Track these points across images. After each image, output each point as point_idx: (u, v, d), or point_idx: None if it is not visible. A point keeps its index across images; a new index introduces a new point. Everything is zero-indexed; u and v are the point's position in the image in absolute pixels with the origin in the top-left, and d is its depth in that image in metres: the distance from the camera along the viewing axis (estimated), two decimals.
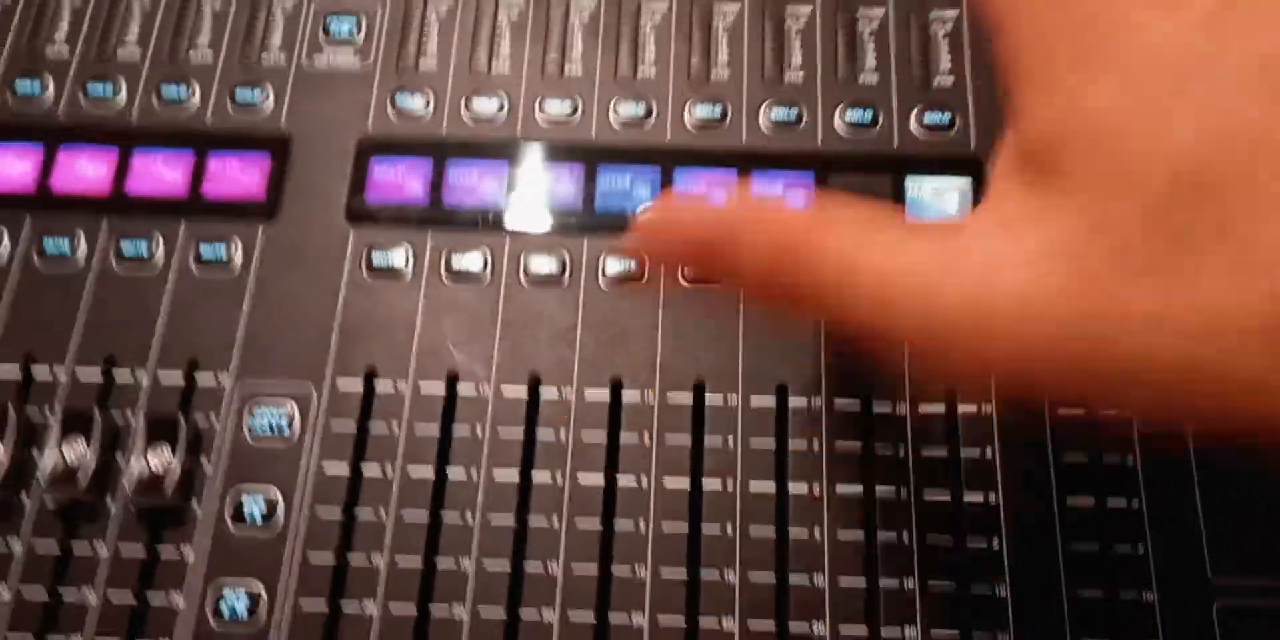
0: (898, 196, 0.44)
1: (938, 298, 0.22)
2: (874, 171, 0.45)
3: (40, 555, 0.38)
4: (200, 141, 0.46)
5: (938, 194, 0.44)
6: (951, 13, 0.48)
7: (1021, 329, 0.21)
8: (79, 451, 0.38)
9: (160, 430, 0.39)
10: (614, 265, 0.43)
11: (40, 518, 0.39)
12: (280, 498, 0.39)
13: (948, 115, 0.46)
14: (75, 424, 0.39)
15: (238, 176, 0.45)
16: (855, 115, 0.46)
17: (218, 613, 0.37)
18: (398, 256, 0.43)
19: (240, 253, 0.43)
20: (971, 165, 0.45)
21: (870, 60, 0.47)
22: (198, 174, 0.45)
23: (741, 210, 0.27)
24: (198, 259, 0.43)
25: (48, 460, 0.38)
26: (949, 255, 0.22)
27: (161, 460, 0.38)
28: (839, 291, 0.24)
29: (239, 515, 0.39)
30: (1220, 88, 0.20)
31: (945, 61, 0.47)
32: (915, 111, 0.46)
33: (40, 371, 0.41)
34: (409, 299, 0.43)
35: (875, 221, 0.25)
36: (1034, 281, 0.21)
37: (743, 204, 0.28)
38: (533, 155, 0.45)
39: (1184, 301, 0.20)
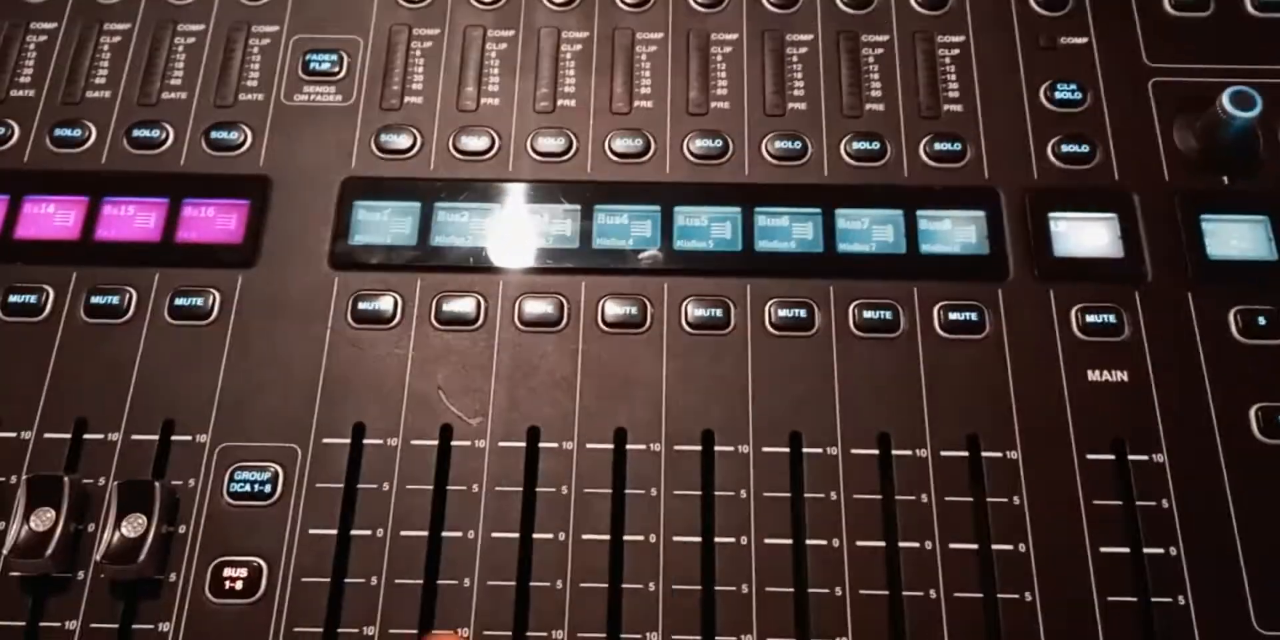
0: (911, 229, 0.42)
1: None
2: (882, 205, 0.43)
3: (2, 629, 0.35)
4: (175, 186, 0.43)
5: (952, 225, 0.42)
6: (958, 38, 0.46)
7: None
8: (46, 521, 0.36)
9: (133, 496, 0.36)
10: (614, 308, 0.41)
11: (3, 591, 0.36)
12: (264, 566, 0.36)
13: (958, 144, 0.44)
14: (43, 492, 0.36)
15: (214, 221, 0.43)
16: (862, 146, 0.44)
17: None
18: (385, 303, 0.41)
19: (218, 303, 0.41)
20: (985, 196, 0.43)
21: (875, 89, 0.45)
22: (171, 220, 0.43)
23: None
24: (172, 309, 0.41)
25: (13, 531, 0.35)
26: None
27: (134, 528, 0.36)
28: None
29: (219, 586, 0.36)
30: None
31: (954, 88, 0.45)
32: (924, 141, 0.44)
33: (3, 435, 0.38)
34: (398, 349, 0.40)
35: None
36: None
37: None
38: (525, 195, 0.43)
39: None
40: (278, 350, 0.40)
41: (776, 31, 0.46)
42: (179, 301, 0.41)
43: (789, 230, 0.42)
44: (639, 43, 0.46)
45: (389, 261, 0.42)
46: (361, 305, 0.41)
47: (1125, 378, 0.39)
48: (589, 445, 0.38)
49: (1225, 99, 0.42)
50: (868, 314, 0.40)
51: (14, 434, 0.38)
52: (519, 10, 0.47)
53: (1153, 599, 0.36)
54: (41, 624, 0.36)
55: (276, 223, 0.43)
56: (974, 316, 0.40)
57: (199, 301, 0.41)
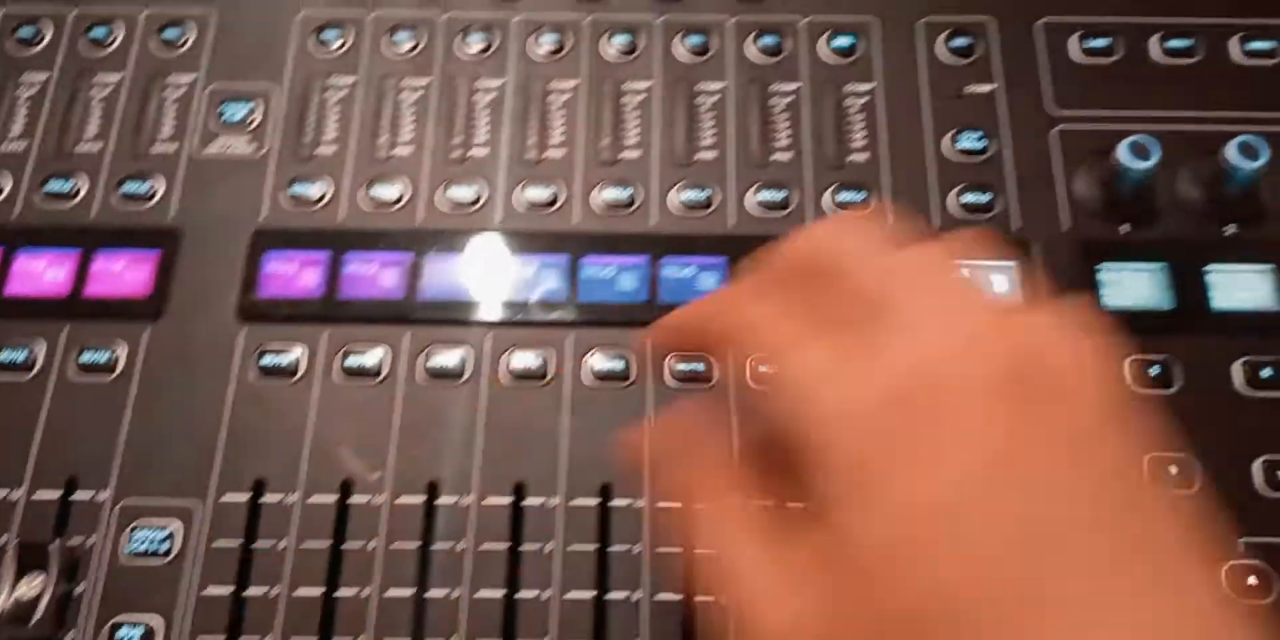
0: None
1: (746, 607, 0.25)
2: None
3: None
4: (86, 238, 0.43)
5: None
6: (866, 85, 0.46)
7: None
8: None
9: (31, 557, 0.37)
10: (518, 360, 0.41)
11: None
12: (160, 626, 0.37)
13: (862, 194, 0.44)
14: None
15: (123, 275, 0.43)
16: (767, 196, 0.44)
17: None
18: (290, 356, 0.41)
19: (124, 356, 0.41)
20: None
21: (784, 137, 0.46)
22: (82, 273, 0.43)
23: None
24: (79, 364, 0.41)
25: None
26: (759, 585, 0.25)
27: (31, 589, 0.36)
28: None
29: None
30: (983, 537, 0.23)
31: (859, 137, 0.45)
32: (829, 190, 0.44)
33: None
34: (301, 403, 0.40)
35: (747, 528, 0.27)
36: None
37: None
38: (435, 245, 0.43)
39: None
40: (182, 404, 0.40)
41: (689, 80, 0.47)
42: (86, 356, 0.41)
43: (693, 281, 0.43)
44: (552, 91, 0.47)
45: (296, 314, 0.42)
46: (267, 358, 0.41)
47: None
48: (488, 499, 0.39)
49: (1122, 149, 0.42)
50: (764, 365, 0.41)
51: None
52: (435, 58, 0.47)
53: None
54: None
55: (186, 275, 0.43)
56: None
57: (105, 356, 0.41)
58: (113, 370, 0.41)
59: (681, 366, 0.41)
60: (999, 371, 0.24)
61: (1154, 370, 0.41)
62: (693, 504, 0.28)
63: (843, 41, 0.47)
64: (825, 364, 0.25)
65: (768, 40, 0.47)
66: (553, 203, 0.44)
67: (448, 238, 0.44)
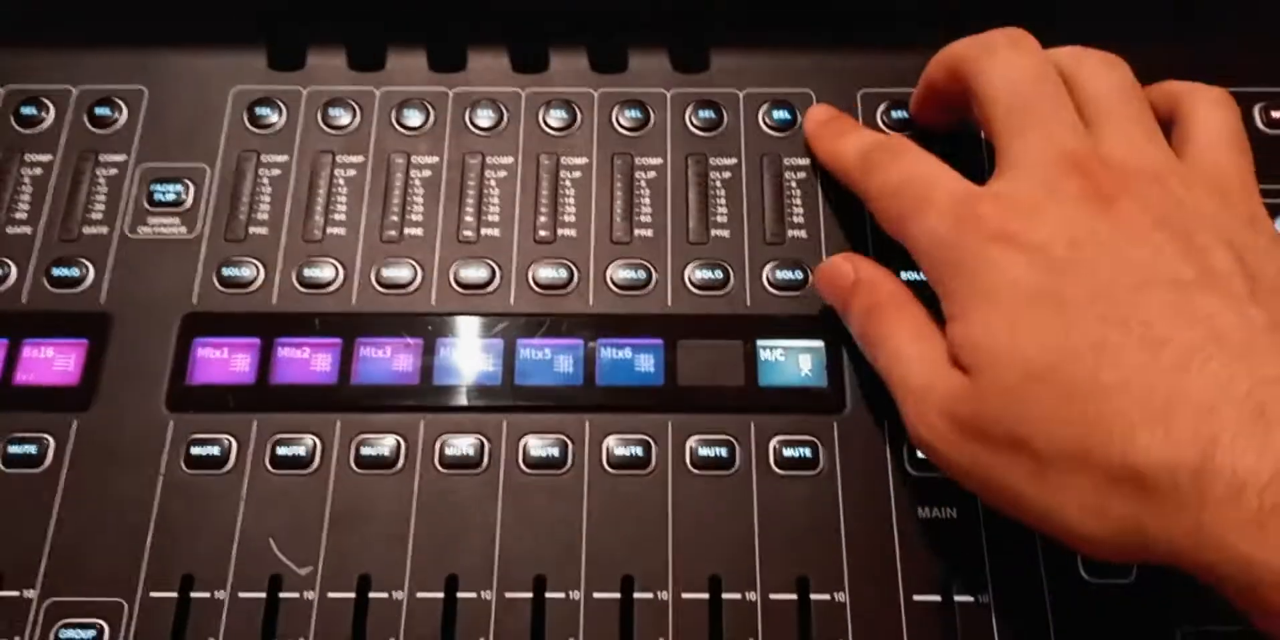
0: (750, 360, 0.42)
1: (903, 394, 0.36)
2: (724, 336, 0.43)
3: None
4: (15, 326, 0.43)
5: (789, 356, 0.42)
6: (804, 161, 0.46)
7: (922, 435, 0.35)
8: None
9: None
10: (452, 448, 0.41)
11: None
12: None
13: (800, 273, 0.44)
14: None
15: (52, 362, 0.42)
16: (705, 275, 0.44)
17: None
18: (219, 447, 0.41)
19: (52, 449, 0.41)
20: (821, 325, 0.43)
21: (722, 214, 0.45)
22: (10, 362, 0.42)
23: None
24: (6, 457, 0.40)
25: None
26: (920, 377, 0.36)
27: None
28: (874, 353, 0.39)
29: None
30: (1061, 313, 0.31)
31: (799, 213, 0.45)
32: (767, 269, 0.44)
33: None
34: (231, 495, 0.40)
35: (918, 329, 0.37)
36: (940, 406, 0.34)
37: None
38: (368, 329, 0.43)
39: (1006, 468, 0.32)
40: (109, 498, 0.40)
41: (626, 155, 0.47)
42: (13, 448, 0.41)
43: (631, 363, 0.42)
44: (489, 168, 0.46)
45: (226, 402, 0.42)
46: (195, 449, 0.41)
47: (954, 514, 0.39)
48: (419, 594, 0.38)
49: None
50: (704, 451, 0.41)
51: None
52: (369, 135, 0.47)
53: None
54: None
55: (115, 363, 0.42)
56: (808, 452, 0.40)
57: (32, 449, 0.40)
58: (41, 463, 0.40)
59: (620, 452, 0.40)
60: (1085, 194, 0.33)
61: None
62: (874, 311, 0.38)
63: (782, 115, 0.47)
64: (941, 213, 0.35)
65: (706, 114, 0.47)
66: (489, 283, 0.44)
67: (381, 321, 0.43)
